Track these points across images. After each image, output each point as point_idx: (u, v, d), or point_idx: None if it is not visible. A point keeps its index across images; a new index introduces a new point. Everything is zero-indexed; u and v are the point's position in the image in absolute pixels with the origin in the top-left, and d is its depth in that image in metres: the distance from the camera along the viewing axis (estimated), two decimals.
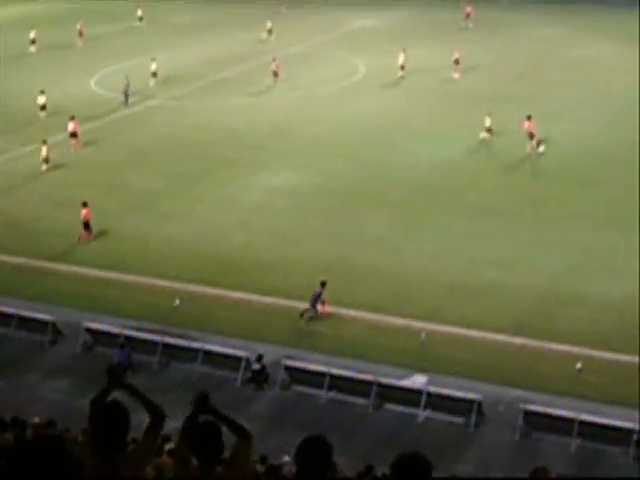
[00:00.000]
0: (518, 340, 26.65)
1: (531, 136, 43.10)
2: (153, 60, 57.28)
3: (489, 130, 44.80)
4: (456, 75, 57.54)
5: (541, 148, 43.10)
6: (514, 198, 37.54)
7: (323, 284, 28.25)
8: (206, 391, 7.36)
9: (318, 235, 34.48)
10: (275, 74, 56.53)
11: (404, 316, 27.90)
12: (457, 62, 57.85)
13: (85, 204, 34.23)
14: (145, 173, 41.50)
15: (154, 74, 57.01)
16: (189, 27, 75.30)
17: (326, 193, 38.56)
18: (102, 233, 34.76)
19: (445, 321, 27.73)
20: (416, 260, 32.07)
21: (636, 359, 25.24)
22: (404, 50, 58.15)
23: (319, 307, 28.20)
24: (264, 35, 69.66)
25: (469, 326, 27.45)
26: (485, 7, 78.13)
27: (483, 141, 44.37)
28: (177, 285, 30.57)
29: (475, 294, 29.46)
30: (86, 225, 34.29)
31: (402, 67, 57.77)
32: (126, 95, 52.50)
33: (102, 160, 43.27)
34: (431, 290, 29.70)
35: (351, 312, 28.37)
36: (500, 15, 76.88)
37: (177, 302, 29.20)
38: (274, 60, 57.38)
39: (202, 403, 7.25)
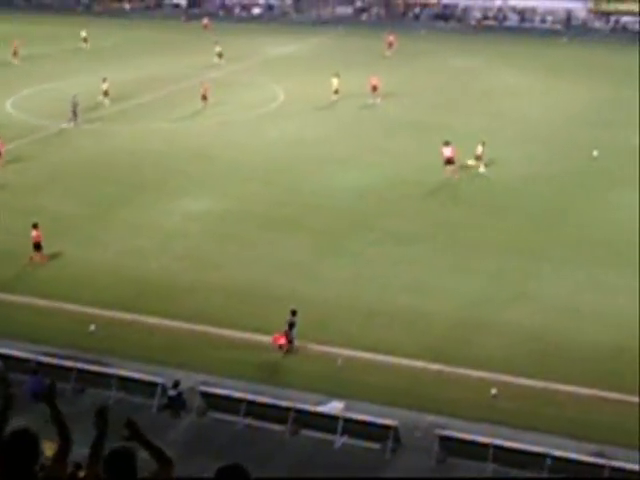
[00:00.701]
0: (434, 366, 26.85)
1: (449, 161, 43.62)
2: (104, 80, 57.46)
3: (478, 158, 45.22)
4: (377, 101, 58.23)
5: (481, 168, 44.49)
6: (429, 225, 37.96)
7: (294, 313, 27.92)
8: (132, 418, 7.29)
9: (236, 260, 34.43)
10: (204, 97, 56.47)
11: (321, 342, 27.93)
12: (375, 89, 58.39)
13: (35, 225, 33.77)
14: (63, 197, 41.03)
15: (105, 93, 57.25)
16: (116, 50, 75.37)
17: (244, 218, 38.56)
18: (18, 257, 34.20)
19: (361, 347, 27.82)
20: (333, 286, 32.19)
21: (549, 385, 25.66)
22: (337, 75, 58.81)
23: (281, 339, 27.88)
24: (215, 59, 70.11)
25: (385, 352, 27.59)
26: (404, 37, 79.13)
27: (476, 172, 44.68)
28: (93, 310, 30.19)
29: (391, 320, 29.65)
30: (37, 246, 33.73)
31: (336, 91, 58.43)
32: (74, 114, 52.34)
33: (19, 183, 42.68)
34: (348, 316, 29.80)
35: (268, 338, 28.29)
36: (418, 45, 77.81)
37: (92, 327, 28.84)
38: (202, 84, 57.44)
39: (132, 429, 7.19)
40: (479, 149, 45.44)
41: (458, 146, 44.97)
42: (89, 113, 54.57)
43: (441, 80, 66.48)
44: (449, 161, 43.78)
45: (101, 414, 7.36)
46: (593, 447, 22.87)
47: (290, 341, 27.77)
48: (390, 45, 75.75)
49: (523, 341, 28.39)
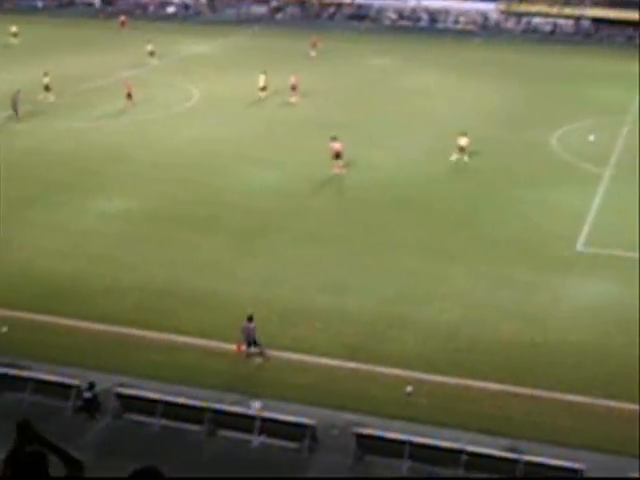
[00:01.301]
0: (351, 364, 27.03)
1: (337, 156, 44.30)
2: (45, 74, 57.02)
3: (462, 149, 46.80)
4: (293, 99, 58.62)
5: (465, 157, 46.40)
6: (346, 224, 38.17)
7: (250, 318, 27.61)
8: (27, 418, 7.16)
9: (151, 260, 34.22)
10: (129, 96, 56.24)
11: (235, 342, 27.89)
12: (294, 88, 58.79)
13: None
14: None
15: (47, 87, 56.97)
16: (29, 47, 74.28)
17: (159, 218, 38.36)
18: None
19: (279, 346, 27.88)
20: (249, 285, 32.19)
21: (463, 381, 26.01)
22: (264, 72, 59.12)
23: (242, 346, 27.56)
24: (148, 58, 69.74)
25: (302, 351, 27.69)
26: (319, 37, 79.28)
27: (457, 161, 46.54)
28: (5, 312, 29.73)
29: (307, 319, 29.76)
30: None
31: (263, 88, 58.87)
32: (15, 109, 52.52)
33: None
34: (265, 316, 29.77)
35: (184, 338, 28.19)
36: (334, 45, 78.01)
37: (4, 329, 28.42)
38: (125, 82, 57.14)
39: (24, 431, 7.05)
40: (463, 140, 46.91)
41: (373, 145, 45.28)
42: (4, 111, 53.74)
43: (357, 80, 66.87)
44: (337, 155, 44.38)
45: (22, 428, 7.22)
46: (507, 442, 23.25)
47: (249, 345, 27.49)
48: (314, 45, 76.07)
49: (438, 338, 28.75)
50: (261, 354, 27.42)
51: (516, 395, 25.63)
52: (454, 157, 47.22)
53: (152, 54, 70.23)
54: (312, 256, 34.86)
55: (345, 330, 29.16)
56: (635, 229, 37.77)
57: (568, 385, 25.96)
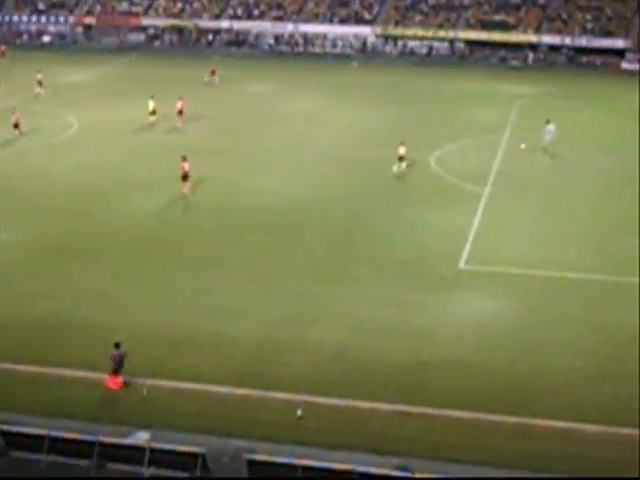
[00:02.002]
0: (240, 390, 26.86)
1: (185, 177, 44.59)
2: None
3: (401, 158, 48.94)
4: (179, 124, 58.99)
5: (403, 164, 48.45)
6: (230, 250, 38.05)
7: (118, 345, 27.22)
8: None
9: (32, 293, 33.50)
10: (16, 126, 55.45)
11: (125, 373, 27.44)
12: (181, 113, 59.25)
13: None
14: None
15: None
16: None
17: (41, 249, 37.65)
18: None
19: (167, 375, 27.55)
20: (136, 314, 31.79)
21: (352, 402, 26.10)
22: (152, 97, 59.08)
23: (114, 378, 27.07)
24: (37, 88, 68.17)
25: (191, 379, 27.41)
26: (198, 64, 79.21)
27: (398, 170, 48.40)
28: None
29: (195, 346, 29.51)
30: None
31: (153, 112, 58.98)
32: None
33: None
34: (152, 344, 29.46)
35: (69, 371, 27.64)
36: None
37: None
38: (13, 112, 55.96)
39: None
40: (401, 150, 48.77)
41: (256, 170, 45.28)
42: None
43: (238, 105, 66.90)
44: (185, 177, 44.69)
45: None
46: (397, 461, 23.37)
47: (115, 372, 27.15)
48: (213, 73, 76.23)
49: (326, 360, 28.80)
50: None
51: (406, 414, 25.82)
52: (395, 168, 48.69)
53: (40, 84, 68.72)
54: (199, 282, 34.63)
55: (234, 356, 29.00)
56: (514, 245, 38.65)
57: (456, 402, 26.27)
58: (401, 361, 28.77)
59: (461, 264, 36.73)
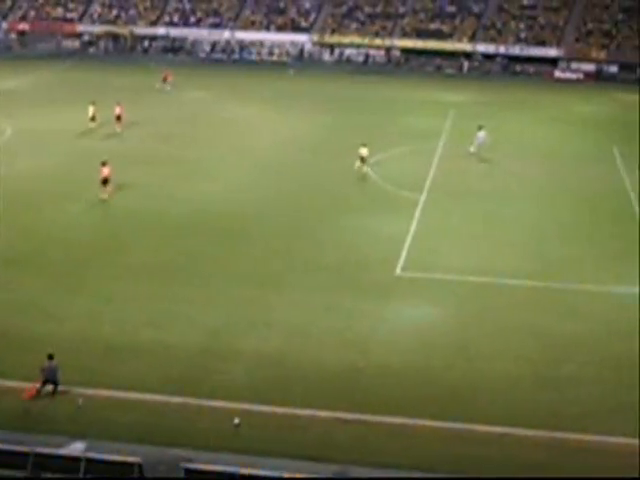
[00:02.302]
0: (177, 399, 26.71)
1: (105, 182, 44.99)
2: None
3: (363, 159, 50.58)
4: (119, 129, 59.12)
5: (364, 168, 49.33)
6: (168, 257, 37.85)
7: (51, 357, 26.92)
8: None
9: None
10: None
11: (61, 382, 27.15)
12: (119, 118, 59.26)
13: None
14: None
15: None
16: None
17: None
18: None
19: (103, 384, 27.30)
20: (71, 324, 31.45)
21: (290, 410, 26.09)
22: (93, 103, 58.98)
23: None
24: None
25: (127, 388, 27.19)
26: (134, 70, 78.83)
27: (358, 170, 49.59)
28: None
29: (132, 355, 29.29)
30: None
31: (93, 118, 59.08)
32: None
33: None
34: (88, 354, 29.19)
35: (7, 383, 27.26)
36: (149, 78, 77.51)
37: None
38: None
39: None
40: (363, 151, 50.27)
41: (193, 177, 45.13)
42: None
43: (175, 113, 66.62)
44: (105, 181, 45.03)
45: None
46: (335, 468, 23.41)
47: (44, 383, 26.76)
48: (165, 79, 76.12)
49: (264, 368, 28.77)
50: (53, 393, 26.79)
51: (343, 421, 25.87)
52: (357, 165, 50.59)
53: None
54: (135, 290, 34.39)
55: (171, 364, 28.82)
56: (450, 252, 38.99)
57: (393, 408, 26.39)
58: (339, 368, 28.84)
59: (398, 270, 36.95)
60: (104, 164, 45.14)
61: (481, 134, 55.48)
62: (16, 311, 32.38)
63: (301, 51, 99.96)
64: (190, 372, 28.38)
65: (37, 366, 27.11)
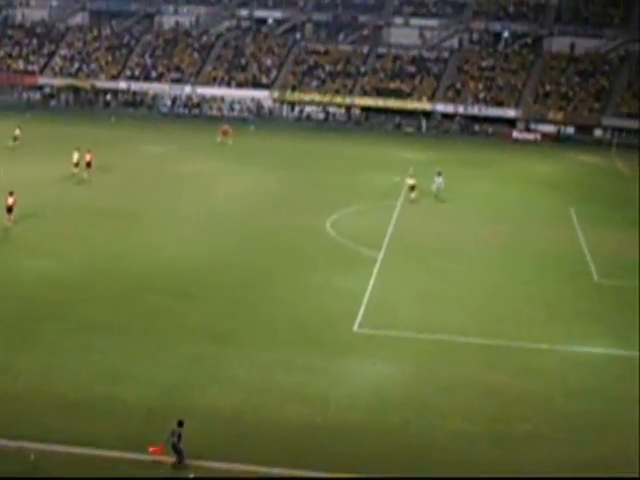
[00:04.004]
0: (131, 455, 26.45)
1: (9, 210, 48.30)
2: None
3: (412, 188, 58.37)
4: (86, 176, 61.20)
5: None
6: (122, 313, 37.60)
7: (181, 423, 26.03)
8: None
9: None
10: None
11: (13, 437, 26.84)
12: (89, 165, 61.61)
13: None
14: None
15: None
16: None
17: None
18: None
19: (57, 440, 26.99)
20: (25, 378, 31.10)
21: (247, 467, 25.97)
22: (78, 149, 61.50)
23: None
24: None
25: (82, 444, 26.91)
26: (94, 124, 78.94)
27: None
28: None
29: (87, 411, 29.02)
30: None
31: (76, 164, 61.82)
32: None
33: None
34: (42, 409, 28.87)
35: None
36: (110, 132, 77.65)
37: None
38: None
39: None
40: (410, 181, 59.51)
41: (150, 231, 45.16)
42: None
43: (134, 167, 66.71)
44: (10, 209, 48.30)
45: None
46: None
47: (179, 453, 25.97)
48: (225, 134, 78.34)
49: (220, 424, 28.63)
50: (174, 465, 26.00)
51: (299, 478, 25.76)
52: (412, 195, 59.06)
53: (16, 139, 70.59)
54: (90, 345, 34.10)
55: (126, 420, 28.58)
56: (406, 309, 39.23)
57: (349, 465, 26.30)
58: (295, 424, 28.77)
59: (355, 327, 37.04)
60: (11, 194, 48.41)
61: (439, 179, 60.66)
62: None
63: (261, 107, 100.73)
64: (145, 428, 28.15)
65: None
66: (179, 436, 26.03)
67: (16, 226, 47.94)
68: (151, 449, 26.25)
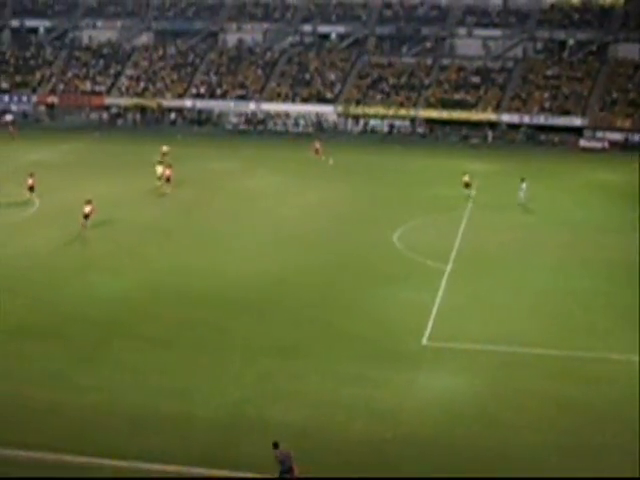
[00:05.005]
0: (200, 470, 26.48)
1: (86, 216, 51.69)
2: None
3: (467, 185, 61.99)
4: (168, 190, 63.04)
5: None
6: (188, 329, 37.70)
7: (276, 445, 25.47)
8: None
9: None
10: (31, 188, 59.28)
11: (82, 454, 27.04)
12: (168, 179, 63.36)
13: None
14: None
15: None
16: None
17: None
18: None
19: (126, 456, 27.15)
20: (94, 395, 31.32)
21: None
22: (160, 162, 64.90)
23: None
24: None
25: (152, 460, 27.02)
26: (161, 142, 79.67)
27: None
28: None
29: (155, 427, 29.15)
30: None
31: (159, 178, 64.14)
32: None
33: None
34: (111, 426, 29.07)
35: (26, 453, 27.17)
36: (177, 150, 78.15)
37: None
38: (32, 175, 59.11)
39: None
40: (466, 177, 62.93)
41: (216, 247, 45.32)
42: None
43: (202, 183, 67.12)
44: (86, 216, 51.91)
45: None
46: None
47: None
48: (317, 151, 78.40)
49: (290, 438, 28.46)
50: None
51: None
52: (466, 193, 62.01)
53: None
54: (157, 362, 34.27)
55: (195, 436, 28.65)
56: (476, 321, 38.83)
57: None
58: (365, 439, 28.57)
59: (424, 340, 36.75)
60: (88, 202, 52.14)
61: (523, 185, 61.27)
62: (39, 382, 32.33)
63: (325, 121, 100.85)
64: (215, 444, 28.17)
65: (60, 438, 27.01)
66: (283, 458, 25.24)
67: (87, 232, 51.23)
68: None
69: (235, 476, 26.31)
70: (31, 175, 59.91)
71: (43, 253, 48.56)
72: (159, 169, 64.28)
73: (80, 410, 30.10)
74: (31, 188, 59.70)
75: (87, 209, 51.88)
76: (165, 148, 74.99)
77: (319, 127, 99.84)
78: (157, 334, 37.14)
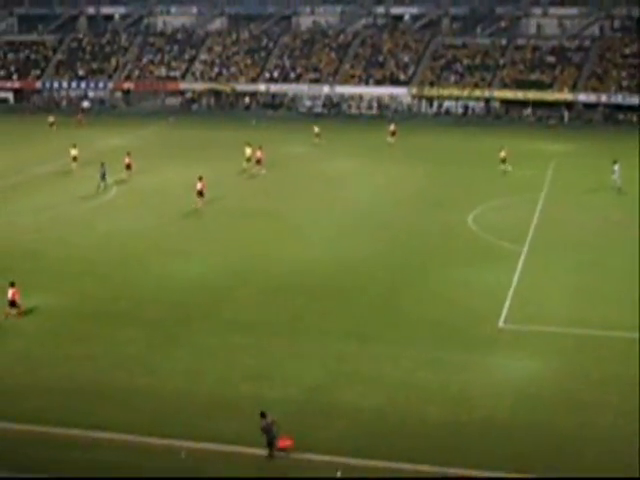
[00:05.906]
0: (277, 453, 26.58)
1: (200, 194, 54.13)
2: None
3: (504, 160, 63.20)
4: (263, 171, 64.13)
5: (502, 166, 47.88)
6: (267, 312, 37.92)
7: (263, 414, 26.54)
8: None
9: (70, 357, 33.50)
10: (128, 166, 61.82)
11: (163, 436, 27.35)
12: (259, 161, 64.49)
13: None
14: None
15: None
16: None
17: (77, 313, 37.77)
18: None
19: (204, 438, 27.38)
20: (172, 378, 31.68)
21: (391, 464, 25.77)
22: (249, 144, 65.89)
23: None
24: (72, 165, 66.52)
25: (228, 442, 27.21)
26: (235, 127, 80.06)
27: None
28: None
29: (232, 409, 29.34)
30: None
31: (248, 159, 65.49)
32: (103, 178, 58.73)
33: None
34: (189, 407, 29.35)
35: (108, 435, 27.56)
36: (251, 134, 78.39)
37: None
38: (129, 155, 61.75)
39: None
40: (503, 152, 63.64)
41: (295, 234, 45.49)
42: None
43: (279, 167, 67.22)
44: (200, 193, 53.93)
45: None
46: None
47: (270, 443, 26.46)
48: (393, 134, 78.23)
49: (364, 422, 28.52)
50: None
51: (447, 476, 25.46)
52: (502, 168, 63.22)
53: (75, 159, 66.52)
54: (235, 345, 34.52)
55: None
56: (553, 303, 38.34)
57: (497, 462, 25.88)
58: (441, 422, 28.44)
59: (500, 323, 36.43)
60: (200, 179, 53.88)
61: (616, 167, 58.69)
62: (117, 365, 32.77)
63: (400, 104, 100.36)
64: (291, 426, 28.22)
65: (135, 420, 27.30)
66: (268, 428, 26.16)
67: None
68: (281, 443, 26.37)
69: (311, 457, 26.38)
70: (128, 154, 61.48)
71: (135, 233, 49.45)
72: (248, 150, 65.16)
73: (159, 393, 30.42)
74: (128, 166, 61.59)
75: (199, 186, 53.87)
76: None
77: (393, 110, 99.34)
78: (235, 317, 37.42)
